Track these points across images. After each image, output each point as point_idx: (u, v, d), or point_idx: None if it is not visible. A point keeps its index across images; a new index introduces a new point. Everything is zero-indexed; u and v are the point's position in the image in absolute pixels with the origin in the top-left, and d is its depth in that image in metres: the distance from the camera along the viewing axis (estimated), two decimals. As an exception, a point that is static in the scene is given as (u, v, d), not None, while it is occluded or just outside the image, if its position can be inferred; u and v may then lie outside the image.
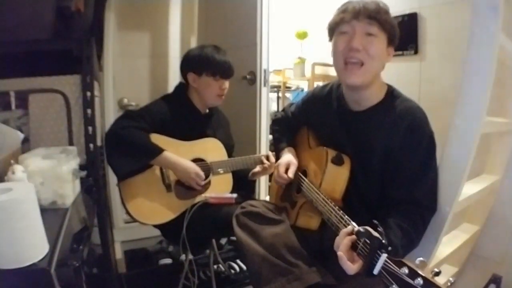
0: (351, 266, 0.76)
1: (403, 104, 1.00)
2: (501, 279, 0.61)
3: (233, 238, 1.53)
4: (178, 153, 1.36)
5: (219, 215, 1.35)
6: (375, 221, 0.77)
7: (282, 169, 1.17)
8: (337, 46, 1.00)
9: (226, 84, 1.48)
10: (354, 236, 0.80)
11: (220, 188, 1.47)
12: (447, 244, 1.30)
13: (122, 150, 1.30)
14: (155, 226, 1.44)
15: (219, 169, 1.47)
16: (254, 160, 1.52)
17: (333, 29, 1.02)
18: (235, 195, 1.43)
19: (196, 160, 1.42)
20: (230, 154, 1.55)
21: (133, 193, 1.35)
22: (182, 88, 1.51)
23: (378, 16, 0.94)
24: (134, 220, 1.35)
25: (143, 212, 1.35)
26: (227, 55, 1.46)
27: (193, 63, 1.45)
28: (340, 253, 0.78)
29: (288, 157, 1.21)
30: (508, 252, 1.43)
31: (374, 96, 1.03)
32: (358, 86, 1.00)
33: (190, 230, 1.36)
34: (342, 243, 0.80)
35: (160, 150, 1.32)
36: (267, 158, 1.50)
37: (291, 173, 1.16)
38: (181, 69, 1.49)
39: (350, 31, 0.97)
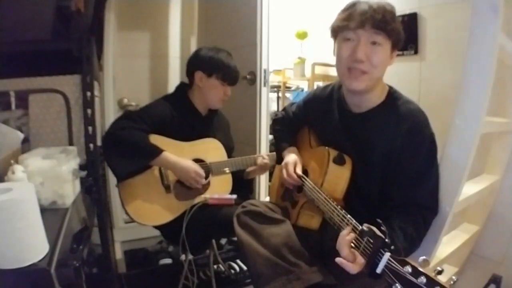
0: (353, 266, 0.77)
1: (404, 106, 1.00)
2: (501, 279, 0.61)
3: (233, 238, 1.53)
4: (178, 154, 1.36)
5: (219, 216, 1.35)
6: (379, 220, 0.77)
7: (291, 168, 1.15)
8: (341, 52, 0.99)
9: (230, 90, 1.50)
10: (353, 234, 0.80)
11: (220, 189, 1.47)
12: (447, 244, 1.30)
13: (122, 151, 1.30)
14: (155, 227, 1.44)
15: (224, 169, 1.47)
16: (254, 160, 1.52)
17: (337, 32, 1.01)
18: (234, 196, 1.43)
19: (195, 161, 1.42)
20: (229, 157, 1.54)
21: (132, 194, 1.35)
22: (183, 88, 1.51)
23: (384, 26, 0.93)
24: (134, 221, 1.35)
25: (142, 213, 1.35)
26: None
27: (205, 62, 1.44)
28: (338, 259, 0.79)
29: (293, 156, 1.20)
30: (508, 252, 1.43)
31: (375, 98, 1.03)
32: (360, 91, 1.00)
33: (189, 230, 1.36)
34: (342, 243, 0.80)
35: (159, 151, 1.32)
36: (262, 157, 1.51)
37: (299, 170, 1.15)
38: (188, 66, 1.49)
39: (355, 39, 0.95)
